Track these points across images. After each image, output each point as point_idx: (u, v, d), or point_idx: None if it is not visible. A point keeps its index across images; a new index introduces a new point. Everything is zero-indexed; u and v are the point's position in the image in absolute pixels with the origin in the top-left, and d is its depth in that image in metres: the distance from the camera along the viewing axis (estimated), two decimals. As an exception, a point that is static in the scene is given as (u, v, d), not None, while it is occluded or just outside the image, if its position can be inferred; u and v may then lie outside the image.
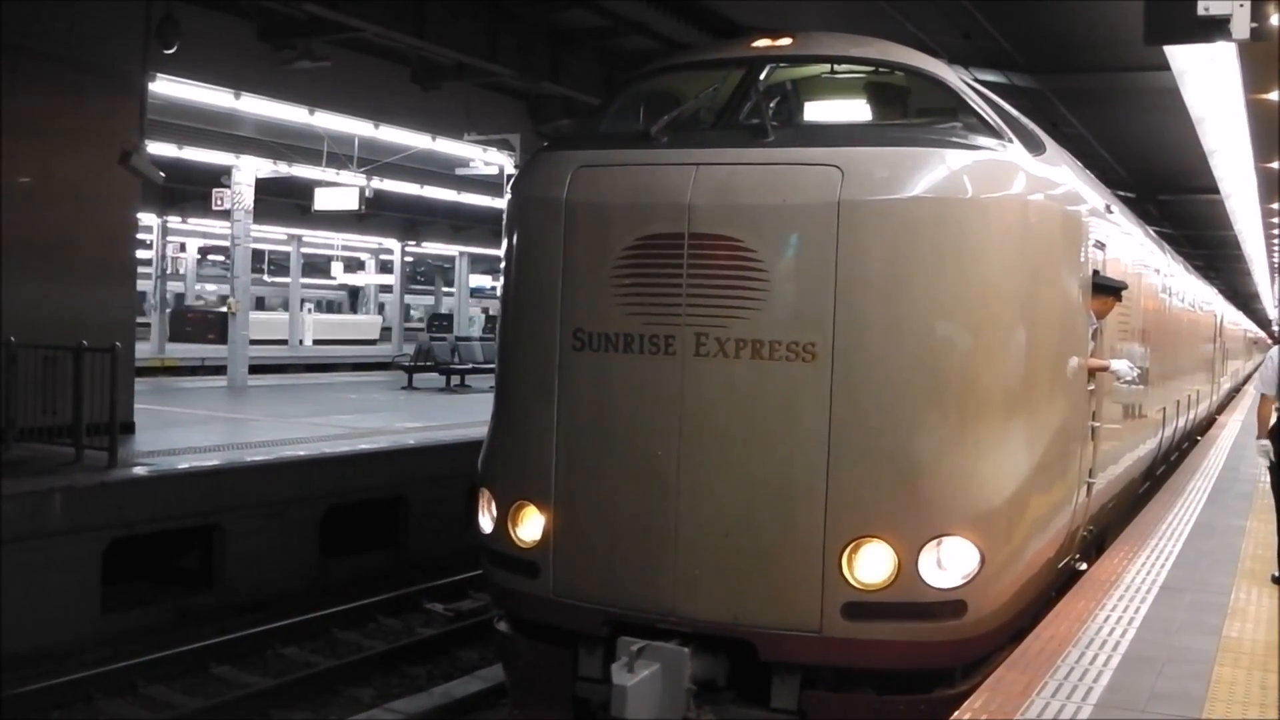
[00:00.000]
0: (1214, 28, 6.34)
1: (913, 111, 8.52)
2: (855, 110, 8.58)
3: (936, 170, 7.19)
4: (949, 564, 7.04)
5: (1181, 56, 11.05)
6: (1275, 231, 30.22)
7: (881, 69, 8.50)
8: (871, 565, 7.02)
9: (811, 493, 7.02)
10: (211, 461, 14.94)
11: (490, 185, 27.94)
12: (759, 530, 7.14)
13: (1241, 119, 15.05)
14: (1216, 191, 23.44)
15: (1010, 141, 7.77)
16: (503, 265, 8.53)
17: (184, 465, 14.48)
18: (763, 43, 8.46)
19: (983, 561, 7.03)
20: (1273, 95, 13.33)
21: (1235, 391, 38.24)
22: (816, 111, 8.68)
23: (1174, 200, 29.57)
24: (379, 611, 14.29)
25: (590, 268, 7.57)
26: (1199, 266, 38.51)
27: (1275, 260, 38.98)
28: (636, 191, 7.52)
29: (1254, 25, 6.21)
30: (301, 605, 13.94)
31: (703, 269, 7.20)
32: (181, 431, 17.71)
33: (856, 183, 7.05)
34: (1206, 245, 39.36)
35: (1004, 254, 7.38)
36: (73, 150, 15.77)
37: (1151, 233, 17.87)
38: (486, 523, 8.20)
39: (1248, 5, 6.20)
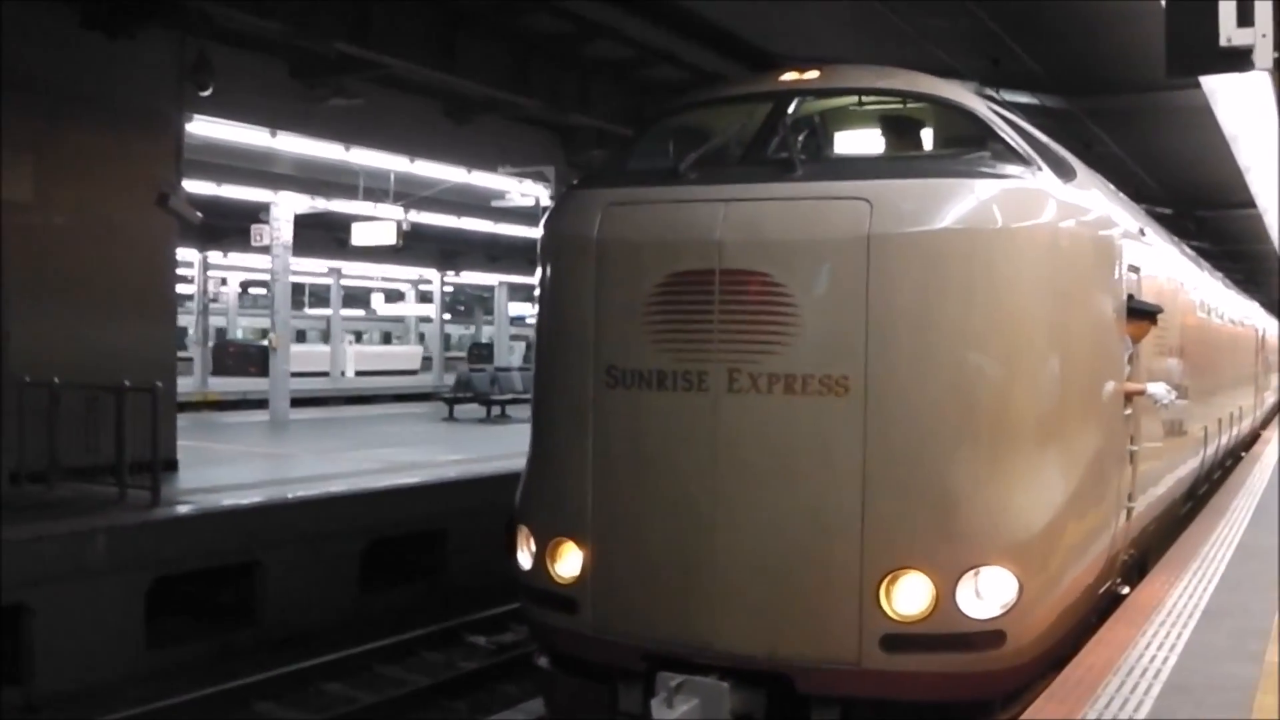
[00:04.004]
0: (1237, 59, 6.33)
1: (941, 141, 8.54)
2: (884, 142, 8.60)
3: (965, 201, 7.20)
4: (987, 594, 7.02)
5: (1211, 77, 11.00)
6: (1315, 245, 29.95)
7: (909, 100, 8.52)
8: (909, 597, 7.01)
9: (847, 525, 7.03)
10: (253, 498, 15.04)
11: (526, 216, 28.06)
12: (795, 564, 7.15)
13: (1274, 135, 14.94)
14: (1254, 206, 23.28)
15: (1040, 169, 7.77)
16: (536, 303, 8.59)
17: (225, 502, 14.59)
18: (790, 76, 8.50)
19: (1021, 590, 7.01)
20: (1307, 112, 13.21)
21: (1280, 405, 37.92)
22: (845, 144, 8.71)
23: (1212, 215, 29.35)
24: (421, 645, 14.32)
25: (622, 305, 7.61)
26: (1239, 281, 38.19)
27: (1316, 273, 38.65)
28: (666, 229, 7.57)
29: (1278, 55, 6.20)
30: (343, 640, 13.98)
31: (734, 305, 7.23)
32: (223, 469, 17.85)
33: (885, 216, 7.06)
34: (1247, 259, 39.04)
35: (1035, 282, 7.37)
36: (111, 191, 15.95)
37: (1188, 250, 17.78)
38: (525, 559, 8.24)
39: (1270, 35, 6.19)
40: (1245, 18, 6.29)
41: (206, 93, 15.22)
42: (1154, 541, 11.29)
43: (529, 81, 18.40)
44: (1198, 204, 28.20)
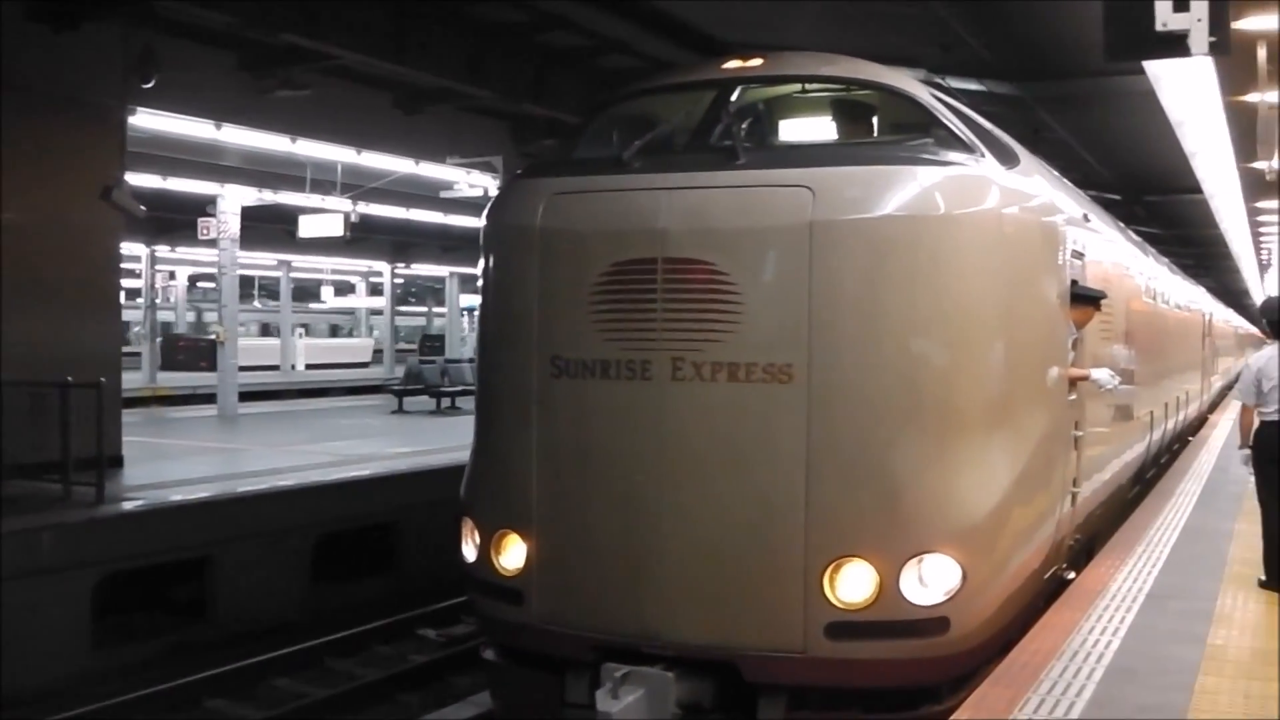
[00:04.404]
0: (1173, 43, 6.36)
1: (885, 128, 8.54)
2: (827, 129, 8.60)
3: (908, 188, 7.20)
4: (931, 581, 7.04)
5: (1156, 63, 11.07)
6: (1262, 230, 30.22)
7: (852, 87, 8.52)
8: (853, 584, 7.03)
9: (791, 513, 7.03)
10: (200, 494, 14.94)
11: (477, 207, 27.89)
12: (740, 552, 7.15)
13: (1221, 121, 15.07)
14: (1200, 191, 23.47)
15: (983, 155, 7.78)
16: (480, 293, 8.56)
17: (173, 498, 14.48)
18: (733, 64, 8.50)
19: (965, 577, 7.03)
20: (1251, 97, 13.33)
21: (1228, 389, 38.25)
22: (790, 131, 8.70)
23: (1160, 201, 29.56)
24: (372, 639, 14.25)
25: (566, 295, 7.59)
26: (1188, 266, 38.52)
27: (1263, 258, 39.00)
28: (610, 218, 7.55)
29: (1213, 40, 6.23)
30: (295, 635, 13.90)
31: (677, 293, 7.21)
32: (171, 463, 17.72)
33: (828, 203, 7.06)
34: (1195, 244, 39.36)
35: (978, 269, 7.38)
36: (55, 185, 15.74)
37: (1134, 236, 17.90)
38: (470, 551, 8.21)
39: (1205, 20, 6.21)
40: (1181, 2, 6.33)
41: (150, 85, 15.04)
42: (1101, 526, 11.36)
43: (482, 72, 18.28)
44: (1146, 189, 28.39)
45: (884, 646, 7.07)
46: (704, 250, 7.18)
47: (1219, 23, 6.28)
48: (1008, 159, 8.35)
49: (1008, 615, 7.72)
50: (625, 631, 7.37)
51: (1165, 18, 6.34)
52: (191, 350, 48.99)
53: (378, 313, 61.94)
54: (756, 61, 8.46)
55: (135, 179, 20.03)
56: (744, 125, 7.88)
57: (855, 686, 7.15)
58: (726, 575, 7.16)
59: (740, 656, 7.16)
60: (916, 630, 7.05)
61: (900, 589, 6.99)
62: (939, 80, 16.40)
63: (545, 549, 7.70)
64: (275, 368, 47.64)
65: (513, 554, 7.85)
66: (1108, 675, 7.03)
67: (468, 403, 28.01)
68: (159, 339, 44.40)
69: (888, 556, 6.99)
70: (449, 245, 45.38)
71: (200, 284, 60.94)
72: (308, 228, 28.14)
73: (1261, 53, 11.39)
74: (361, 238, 36.37)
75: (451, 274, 53.63)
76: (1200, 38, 6.30)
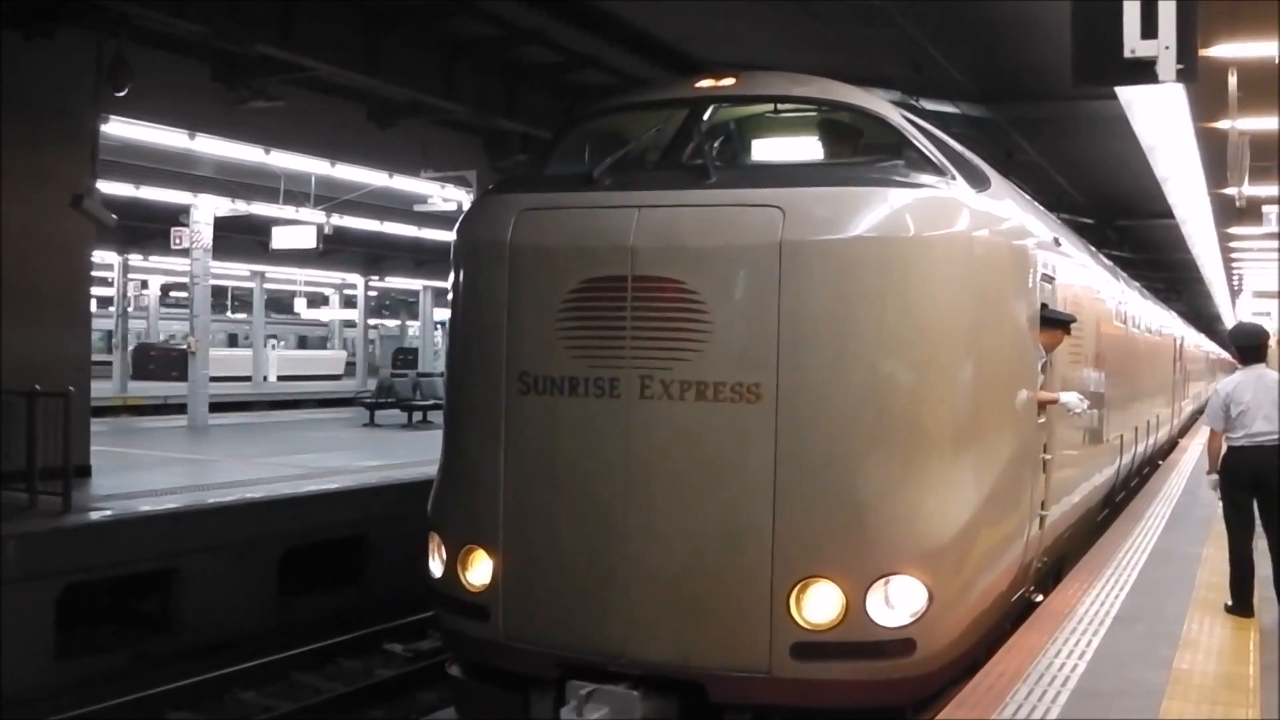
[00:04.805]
0: (1140, 70, 6.38)
1: (856, 150, 8.55)
2: (799, 149, 8.60)
3: (878, 209, 7.22)
4: (897, 602, 7.04)
5: (1129, 89, 11.12)
6: (1233, 256, 30.38)
7: (824, 108, 8.54)
8: (819, 605, 7.03)
9: (758, 533, 7.03)
10: (167, 505, 14.81)
11: (450, 221, 27.85)
12: (707, 571, 7.14)
13: (1192, 147, 15.14)
14: (1172, 216, 23.58)
15: (953, 178, 7.81)
16: (449, 308, 8.54)
17: (139, 509, 14.35)
18: (706, 83, 8.51)
19: (931, 599, 7.04)
20: (1222, 124, 13.40)
21: (1199, 413, 38.40)
22: (762, 150, 8.70)
23: (1132, 225, 29.74)
24: (338, 653, 14.18)
25: (535, 311, 7.59)
26: (1159, 290, 38.73)
27: (1235, 283, 39.20)
28: (580, 234, 7.55)
29: (1180, 67, 6.24)
30: (261, 647, 13.81)
31: (646, 311, 7.22)
32: (139, 474, 17.59)
33: (798, 223, 7.07)
34: (1167, 269, 39.58)
35: (947, 291, 7.40)
36: (24, 193, 15.62)
37: (1105, 260, 17.95)
38: (436, 566, 8.19)
39: (1173, 48, 6.23)
40: (1149, 29, 6.35)
41: (122, 93, 14.96)
42: (1069, 548, 11.38)
43: (455, 86, 18.28)
44: (1119, 213, 28.55)
45: (849, 667, 7.06)
46: (673, 268, 7.19)
47: (1187, 49, 6.30)
48: (978, 182, 8.37)
49: (974, 637, 7.73)
50: (591, 649, 7.35)
51: (1133, 44, 6.35)
52: (163, 360, 48.77)
53: (351, 325, 61.80)
54: (729, 80, 8.47)
55: (108, 187, 19.97)
56: (715, 144, 7.91)
57: (820, 707, 7.14)
58: (692, 594, 7.15)
59: (706, 676, 7.15)
60: (882, 651, 7.05)
61: (866, 610, 6.99)
62: (912, 102, 16.45)
63: (512, 565, 7.68)
64: (247, 379, 47.39)
65: (479, 570, 7.83)
66: (1073, 698, 7.04)
67: (440, 417, 27.93)
68: (130, 348, 44.11)
69: (854, 577, 6.99)
70: (423, 259, 45.31)
71: (174, 293, 60.61)
72: (281, 239, 28.06)
73: (1232, 80, 11.44)
74: (334, 250, 36.32)
75: (425, 287, 53.54)
76: (1168, 65, 6.31)
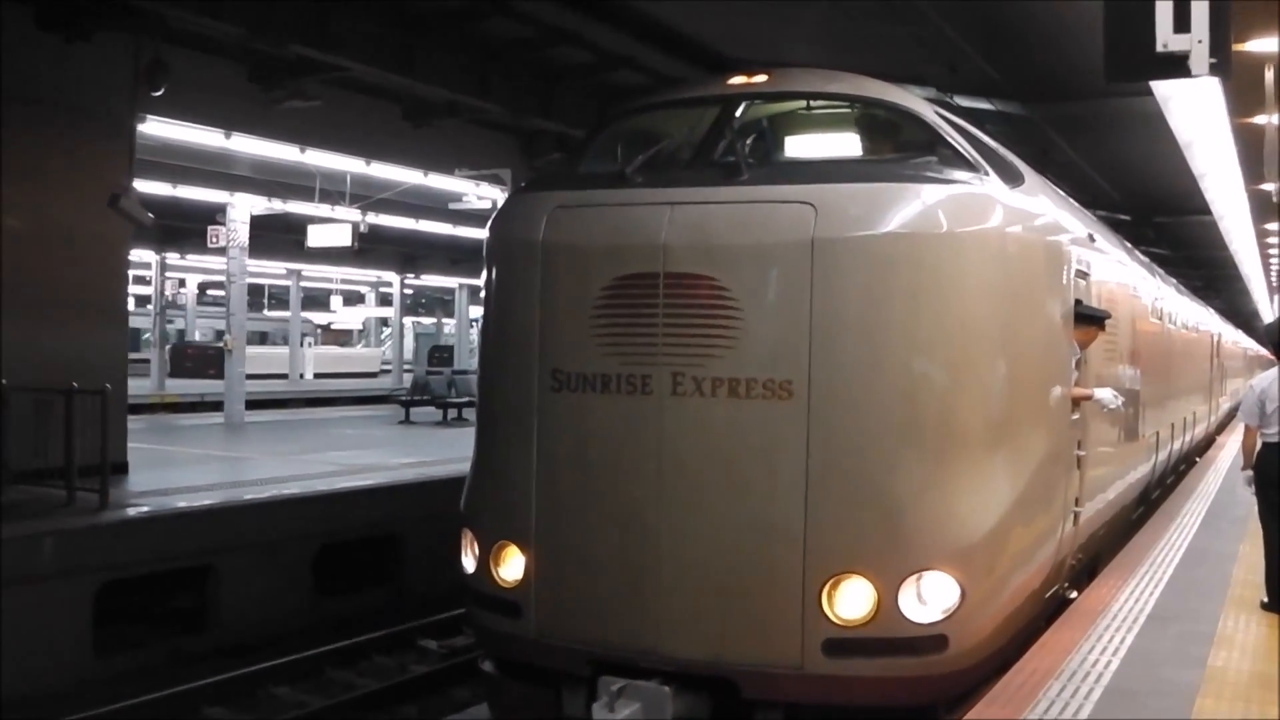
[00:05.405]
0: (1173, 65, 6.35)
1: (888, 147, 8.54)
2: (831, 146, 8.58)
3: (911, 206, 7.20)
4: (929, 599, 7.03)
5: (1164, 84, 11.06)
6: (1271, 252, 30.19)
7: (856, 105, 8.53)
8: (851, 601, 7.02)
9: (790, 529, 7.02)
10: (204, 502, 14.92)
11: (485, 219, 27.93)
12: (739, 568, 7.14)
13: (1229, 143, 15.06)
14: (1210, 213, 23.45)
15: (987, 174, 7.79)
16: (482, 305, 8.57)
17: (175, 506, 14.46)
18: (738, 80, 8.52)
19: (963, 595, 7.02)
20: (1259, 119, 13.31)
21: (1237, 410, 38.10)
22: (794, 148, 8.69)
23: (1170, 222, 29.52)
24: (373, 649, 14.23)
25: (567, 308, 7.60)
26: (1197, 287, 38.45)
27: (1273, 280, 38.92)
28: (612, 232, 7.56)
29: (1213, 61, 6.21)
30: (296, 644, 13.86)
31: (678, 308, 7.22)
32: (176, 471, 17.71)
33: (830, 220, 7.06)
34: (1204, 266, 39.32)
35: (980, 288, 7.38)
36: (63, 193, 15.77)
37: (1141, 257, 17.87)
38: (469, 563, 8.21)
39: (1206, 42, 6.20)
40: (1181, 23, 6.32)
41: (159, 93, 15.08)
42: (1104, 546, 11.34)
43: (490, 86, 18.35)
44: (1156, 210, 28.36)
45: (881, 664, 7.05)
46: (705, 265, 7.19)
47: (1220, 44, 6.27)
48: (1012, 178, 8.34)
49: (1006, 634, 7.71)
50: (622, 646, 7.36)
51: (1166, 38, 6.33)
52: (200, 357, 49.06)
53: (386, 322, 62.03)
54: (761, 78, 8.47)
55: (145, 186, 20.11)
56: (747, 141, 7.91)
57: (851, 704, 7.13)
58: (724, 590, 7.15)
59: (737, 672, 7.15)
60: (914, 648, 7.03)
61: (899, 606, 6.98)
62: (947, 99, 16.40)
63: (544, 561, 7.69)
64: (284, 376, 47.60)
65: (512, 566, 7.85)
66: (1105, 696, 7.01)
67: (474, 414, 28.02)
68: (168, 346, 44.39)
69: (886, 573, 6.98)
70: (457, 257, 45.41)
71: (210, 291, 60.97)
72: (316, 237, 28.18)
73: (1269, 75, 11.38)
74: (370, 248, 36.43)
75: (460, 285, 53.65)
76: (1201, 59, 6.28)
